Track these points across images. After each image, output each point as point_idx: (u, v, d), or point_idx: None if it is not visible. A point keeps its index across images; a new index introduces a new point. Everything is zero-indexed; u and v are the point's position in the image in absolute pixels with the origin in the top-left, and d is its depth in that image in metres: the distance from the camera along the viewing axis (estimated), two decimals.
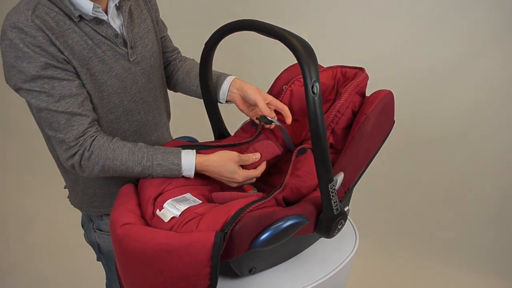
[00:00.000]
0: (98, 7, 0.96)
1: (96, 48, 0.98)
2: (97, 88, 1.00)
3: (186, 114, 1.99)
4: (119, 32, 1.03)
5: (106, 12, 1.01)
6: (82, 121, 0.94)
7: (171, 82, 1.29)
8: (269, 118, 1.03)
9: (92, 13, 0.95)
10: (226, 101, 1.15)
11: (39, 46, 0.89)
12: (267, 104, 1.06)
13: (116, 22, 1.04)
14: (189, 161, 0.96)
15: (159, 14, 1.21)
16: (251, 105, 1.11)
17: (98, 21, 0.98)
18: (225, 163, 0.97)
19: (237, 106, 1.13)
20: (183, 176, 0.98)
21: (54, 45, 0.91)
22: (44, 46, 0.89)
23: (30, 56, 0.88)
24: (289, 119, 1.04)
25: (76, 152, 0.94)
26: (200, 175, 1.00)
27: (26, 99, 0.94)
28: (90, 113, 0.97)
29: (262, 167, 1.02)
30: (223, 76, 1.15)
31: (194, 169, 0.97)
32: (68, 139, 0.93)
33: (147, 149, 0.97)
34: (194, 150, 0.99)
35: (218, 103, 1.16)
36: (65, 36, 0.93)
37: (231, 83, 1.12)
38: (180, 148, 0.99)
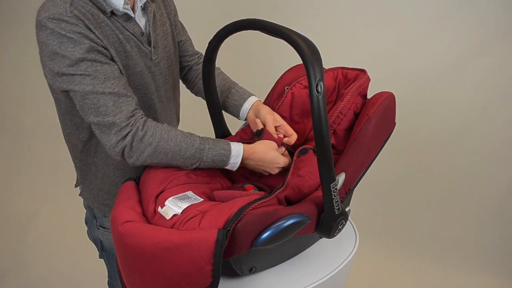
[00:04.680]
0: (128, 4, 0.99)
1: (125, 43, 1.01)
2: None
3: (187, 116, 1.99)
4: (144, 31, 1.06)
5: (133, 10, 1.03)
6: (129, 101, 0.94)
7: (193, 88, 1.32)
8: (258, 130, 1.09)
9: (123, 8, 0.98)
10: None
11: (80, 32, 0.90)
12: (277, 126, 1.10)
13: (141, 21, 1.06)
14: (237, 148, 1.00)
15: (178, 17, 1.23)
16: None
17: (127, 17, 1.01)
18: (268, 150, 1.03)
19: (250, 127, 1.16)
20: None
21: (94, 33, 0.93)
22: (85, 32, 0.91)
23: (74, 40, 0.89)
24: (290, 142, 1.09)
25: (128, 133, 0.92)
26: (202, 173, 1.01)
27: (69, 88, 0.92)
28: (134, 95, 0.97)
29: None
30: (246, 95, 1.19)
31: (242, 155, 1.00)
32: (118, 120, 0.91)
33: (197, 135, 0.99)
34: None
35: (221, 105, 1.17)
36: (101, 28, 0.96)
37: (251, 106, 1.16)
38: None
